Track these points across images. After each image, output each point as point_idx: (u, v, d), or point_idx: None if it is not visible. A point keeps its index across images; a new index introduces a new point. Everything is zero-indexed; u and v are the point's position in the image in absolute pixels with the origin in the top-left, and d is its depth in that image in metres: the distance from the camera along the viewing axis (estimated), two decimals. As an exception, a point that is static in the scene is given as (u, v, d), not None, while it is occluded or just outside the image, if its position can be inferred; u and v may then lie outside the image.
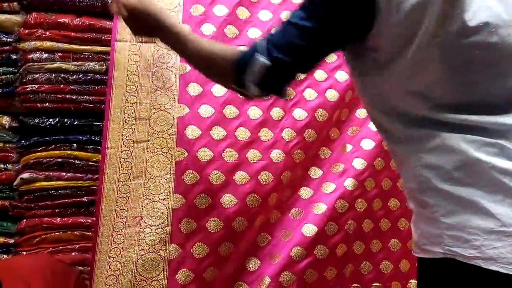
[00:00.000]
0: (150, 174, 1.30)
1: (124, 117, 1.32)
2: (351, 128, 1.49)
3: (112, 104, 1.32)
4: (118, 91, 1.33)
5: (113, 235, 1.24)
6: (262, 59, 0.70)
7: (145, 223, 1.26)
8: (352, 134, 1.48)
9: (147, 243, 1.25)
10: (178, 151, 1.32)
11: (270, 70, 0.71)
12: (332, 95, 1.45)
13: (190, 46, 0.82)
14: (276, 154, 1.37)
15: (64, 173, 1.35)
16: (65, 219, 1.33)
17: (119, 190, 1.27)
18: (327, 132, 1.47)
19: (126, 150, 1.30)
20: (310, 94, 1.45)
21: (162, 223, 1.27)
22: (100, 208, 1.24)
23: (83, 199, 1.35)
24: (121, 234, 1.24)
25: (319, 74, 1.47)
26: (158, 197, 1.29)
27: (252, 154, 1.36)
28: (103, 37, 1.41)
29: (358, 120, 1.50)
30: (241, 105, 1.40)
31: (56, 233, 1.31)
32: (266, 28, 1.45)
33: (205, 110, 1.36)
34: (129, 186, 1.28)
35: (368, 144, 1.45)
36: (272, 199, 1.36)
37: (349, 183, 1.39)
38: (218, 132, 1.35)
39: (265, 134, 1.39)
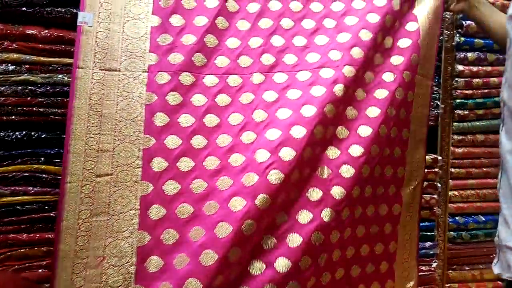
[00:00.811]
0: (113, 210, 1.26)
1: (86, 149, 1.28)
2: (331, 149, 1.41)
3: (73, 136, 1.27)
4: (79, 122, 1.29)
5: (72, 278, 1.19)
6: None
7: (108, 263, 1.22)
8: (332, 157, 1.40)
9: (110, 285, 1.21)
10: (143, 185, 1.29)
11: None
12: (308, 110, 1.38)
13: None
14: (247, 178, 1.31)
15: (30, 188, 1.34)
16: (32, 235, 1.32)
17: (79, 228, 1.23)
18: (304, 151, 1.39)
19: (87, 184, 1.26)
20: (283, 113, 1.40)
21: (127, 262, 1.23)
22: (58, 248, 1.19)
23: (51, 214, 1.34)
24: (81, 277, 1.20)
25: (293, 92, 1.44)
26: (122, 234, 1.25)
27: (222, 182, 1.33)
28: (72, 49, 1.40)
29: (338, 140, 1.42)
30: (210, 135, 1.37)
31: (22, 250, 1.30)
32: (234, 55, 1.46)
33: (172, 141, 1.33)
34: (91, 224, 1.24)
35: (347, 171, 1.36)
36: (246, 227, 1.26)
37: (326, 213, 1.31)
38: (185, 164, 1.32)
39: (235, 159, 1.36)
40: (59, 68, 1.42)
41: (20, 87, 1.38)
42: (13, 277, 1.21)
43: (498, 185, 1.10)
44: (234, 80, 1.44)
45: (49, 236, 1.32)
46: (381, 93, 1.45)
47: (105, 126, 1.31)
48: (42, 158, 1.37)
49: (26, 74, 1.39)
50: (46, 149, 1.38)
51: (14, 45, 1.38)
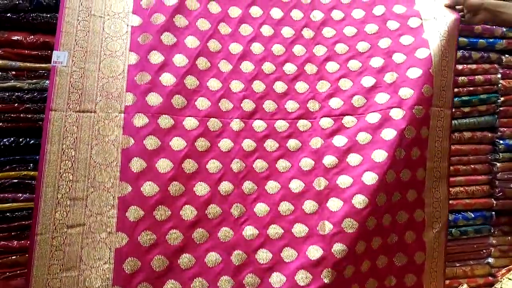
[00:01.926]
0: (85, 264, 1.22)
1: (57, 198, 1.24)
2: (332, 200, 1.40)
3: (44, 182, 1.23)
4: (51, 168, 1.25)
5: None
6: None
7: None
8: (334, 210, 1.39)
9: None
10: (118, 236, 1.25)
11: None
12: (283, 164, 1.44)
13: None
14: (224, 232, 1.34)
15: (19, 194, 1.36)
16: (23, 242, 1.34)
17: (48, 285, 1.19)
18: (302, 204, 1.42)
19: (58, 236, 1.22)
20: (261, 166, 1.43)
21: None
22: None
23: (41, 220, 1.36)
24: None
25: (271, 144, 1.46)
26: None
27: (199, 234, 1.32)
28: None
29: (340, 190, 1.41)
30: (188, 181, 1.35)
31: (13, 257, 1.33)
32: (215, 98, 1.44)
33: (149, 189, 1.29)
34: (60, 280, 1.20)
35: (350, 225, 1.35)
36: (222, 284, 1.30)
37: (326, 274, 1.31)
38: (162, 213, 1.29)
39: (213, 211, 1.35)
40: (45, 74, 1.45)
41: (7, 94, 1.40)
42: (4, 286, 1.24)
43: None
44: (214, 125, 1.42)
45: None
46: (388, 134, 1.42)
47: (78, 172, 1.28)
48: (31, 165, 1.39)
49: (12, 81, 1.42)
50: (34, 155, 1.39)
51: (0, 51, 1.41)
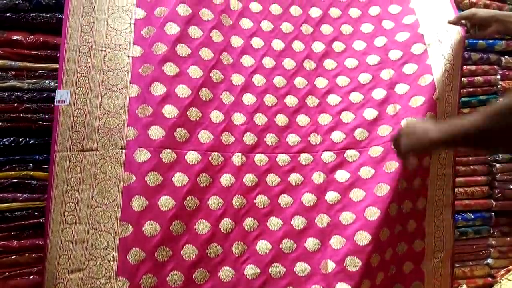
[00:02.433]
0: None
1: (62, 242, 1.26)
2: (335, 238, 1.41)
3: (51, 227, 1.26)
4: (56, 211, 1.27)
5: None
6: None
7: None
8: (336, 248, 1.40)
9: None
10: (118, 281, 1.24)
11: None
12: (286, 200, 1.44)
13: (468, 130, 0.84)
14: (225, 272, 1.35)
15: (19, 194, 1.37)
16: (22, 241, 1.35)
17: None
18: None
19: (60, 282, 1.23)
20: (263, 202, 1.43)
21: None
22: None
23: (41, 220, 1.36)
24: None
25: (272, 178, 1.47)
26: None
27: (199, 275, 1.32)
28: (58, 55, 1.44)
29: (342, 227, 1.42)
30: (189, 219, 1.34)
31: (12, 257, 1.33)
32: (217, 131, 1.44)
33: (151, 228, 1.29)
34: None
35: (353, 263, 1.35)
36: None
37: None
38: (163, 254, 1.29)
39: (214, 250, 1.35)
40: (45, 74, 1.46)
41: (6, 94, 1.41)
42: (3, 286, 1.25)
43: None
44: (215, 159, 1.42)
45: (40, 242, 1.35)
46: (391, 166, 1.42)
47: (80, 214, 1.29)
48: (31, 164, 1.40)
49: (12, 80, 1.42)
50: (34, 155, 1.41)
51: (-1, 51, 1.42)
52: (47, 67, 1.46)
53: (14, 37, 1.43)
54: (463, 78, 1.89)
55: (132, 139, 1.37)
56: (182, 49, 1.48)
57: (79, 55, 1.40)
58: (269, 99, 1.53)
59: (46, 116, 1.43)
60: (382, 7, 1.71)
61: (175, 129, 1.39)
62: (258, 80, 1.55)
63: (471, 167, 1.93)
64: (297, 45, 1.63)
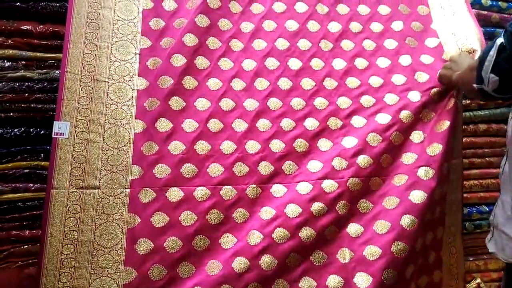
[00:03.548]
0: None
1: (58, 287, 1.20)
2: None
3: (45, 270, 1.20)
4: (52, 253, 1.21)
5: None
6: (499, 40, 0.89)
7: None
8: None
9: None
10: None
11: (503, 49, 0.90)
12: (308, 233, 1.32)
13: None
14: None
15: (31, 184, 1.39)
16: (34, 231, 1.37)
17: None
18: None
19: None
20: (282, 236, 1.31)
21: None
22: None
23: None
24: None
25: (293, 209, 1.35)
26: None
27: None
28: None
29: None
30: (199, 261, 1.28)
31: (25, 246, 1.36)
32: (228, 162, 1.38)
33: (157, 272, 1.24)
34: None
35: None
36: None
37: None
38: None
39: None
40: (55, 64, 1.47)
41: (17, 84, 1.43)
42: (18, 274, 1.28)
43: (501, 171, 1.20)
44: (227, 193, 1.34)
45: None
46: (417, 196, 1.35)
47: (81, 257, 1.23)
48: (42, 155, 1.42)
49: (22, 71, 1.44)
50: (45, 145, 1.42)
51: (9, 41, 1.44)
52: (57, 57, 1.47)
53: (24, 27, 1.45)
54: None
55: (137, 178, 1.32)
56: (189, 82, 1.45)
57: (80, 85, 1.36)
58: (287, 124, 1.45)
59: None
60: (405, 23, 1.66)
61: (182, 165, 1.35)
62: (274, 103, 1.47)
63: (487, 159, 1.91)
64: (316, 63, 1.55)
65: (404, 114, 1.47)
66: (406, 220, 1.32)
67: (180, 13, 1.53)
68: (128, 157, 1.34)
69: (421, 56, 1.60)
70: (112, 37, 1.44)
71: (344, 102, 1.50)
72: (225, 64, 1.50)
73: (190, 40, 1.48)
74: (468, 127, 1.87)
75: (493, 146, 1.92)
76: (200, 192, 1.34)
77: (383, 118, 1.47)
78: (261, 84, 1.49)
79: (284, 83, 1.50)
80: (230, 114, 1.44)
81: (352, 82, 1.53)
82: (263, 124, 1.44)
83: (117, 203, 1.29)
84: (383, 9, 1.69)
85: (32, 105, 1.44)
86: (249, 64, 1.51)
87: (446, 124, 1.44)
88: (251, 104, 1.46)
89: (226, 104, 1.45)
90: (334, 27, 1.62)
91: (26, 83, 1.44)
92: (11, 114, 1.42)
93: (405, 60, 1.59)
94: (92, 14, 1.44)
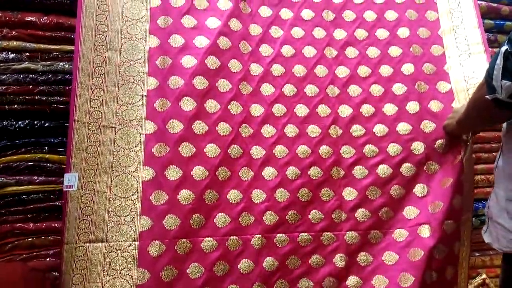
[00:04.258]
0: None
1: None
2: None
3: None
4: None
5: None
6: (503, 48, 0.90)
7: None
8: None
9: None
10: None
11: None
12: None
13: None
14: None
15: (35, 177, 1.39)
16: (38, 224, 1.37)
17: None
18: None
19: None
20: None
21: None
22: None
23: (56, 203, 1.39)
24: None
25: (293, 262, 1.43)
26: None
27: None
28: (72, 36, 1.45)
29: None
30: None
31: (29, 239, 1.36)
32: (234, 212, 1.40)
33: None
34: None
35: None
36: None
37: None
38: None
39: None
40: (59, 56, 1.46)
41: (21, 76, 1.42)
42: (22, 267, 1.28)
43: (495, 164, 1.23)
44: (233, 244, 1.37)
45: (56, 225, 1.38)
46: (416, 254, 1.40)
47: None
48: (46, 147, 1.42)
49: (27, 62, 1.43)
50: (49, 138, 1.42)
51: (13, 32, 1.43)
52: (62, 48, 1.46)
53: (28, 18, 1.44)
54: (488, 62, 1.86)
55: (146, 230, 1.31)
56: (199, 127, 1.43)
57: (88, 133, 1.35)
58: (292, 172, 1.46)
59: (61, 99, 1.44)
60: (416, 65, 1.63)
61: (191, 216, 1.35)
62: (280, 151, 1.47)
63: (494, 153, 1.89)
64: (322, 110, 1.54)
65: (406, 167, 1.49)
66: (403, 279, 1.39)
67: (187, 50, 1.50)
68: (137, 207, 1.33)
69: (430, 102, 1.58)
70: (118, 80, 1.42)
71: (347, 151, 1.52)
72: (234, 107, 1.49)
73: (200, 82, 1.46)
74: (476, 121, 1.85)
75: (500, 140, 1.90)
76: (208, 243, 1.36)
77: (384, 171, 1.49)
78: (268, 131, 1.49)
79: (291, 130, 1.50)
80: (238, 162, 1.44)
81: (357, 130, 1.54)
82: (269, 172, 1.45)
83: (125, 257, 1.28)
84: (394, 51, 1.65)
85: (36, 97, 1.43)
86: (257, 110, 1.51)
87: (449, 181, 1.45)
88: (257, 152, 1.46)
89: (234, 151, 1.44)
90: (342, 71, 1.60)
91: (30, 75, 1.43)
92: (15, 106, 1.42)
93: (412, 107, 1.57)
94: (98, 58, 1.42)
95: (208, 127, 1.44)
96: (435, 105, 1.58)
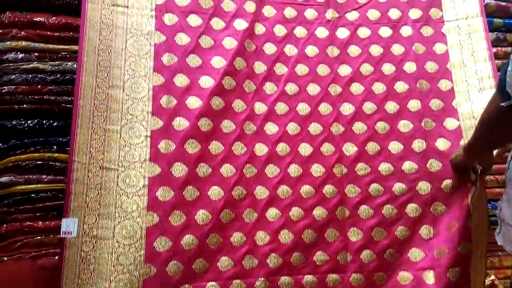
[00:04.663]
0: None
1: None
2: None
3: None
4: None
5: None
6: None
7: None
8: None
9: None
10: None
11: None
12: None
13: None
14: None
15: (44, 176, 1.40)
16: (47, 222, 1.38)
17: None
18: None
19: None
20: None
21: None
22: None
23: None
24: None
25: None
26: None
27: None
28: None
29: None
30: None
31: (37, 237, 1.37)
32: (238, 255, 1.39)
33: None
34: None
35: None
36: None
37: None
38: None
39: None
40: (68, 56, 1.47)
41: (30, 76, 1.43)
42: (31, 265, 1.29)
43: (507, 166, 1.20)
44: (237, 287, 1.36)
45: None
46: None
47: None
48: (54, 147, 1.43)
49: (35, 62, 1.45)
50: (58, 137, 1.43)
51: (22, 32, 1.44)
52: (70, 48, 1.47)
53: (37, 19, 1.45)
54: (497, 61, 1.82)
55: (149, 277, 1.29)
56: (203, 169, 1.42)
57: (88, 175, 1.30)
58: (296, 213, 1.44)
59: (69, 99, 1.45)
60: (423, 101, 1.60)
61: (194, 261, 1.34)
62: (284, 192, 1.46)
63: (503, 154, 1.88)
64: (326, 149, 1.53)
65: (411, 208, 1.47)
66: None
67: (192, 90, 1.48)
68: (141, 255, 1.29)
69: (437, 140, 1.56)
70: (121, 120, 1.39)
71: (352, 191, 1.49)
72: (238, 148, 1.48)
73: (205, 124, 1.44)
74: (485, 121, 1.83)
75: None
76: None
77: (390, 211, 1.47)
78: (271, 171, 1.48)
79: (294, 170, 1.48)
80: (241, 204, 1.43)
81: (362, 169, 1.51)
82: (272, 214, 1.44)
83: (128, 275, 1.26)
84: (400, 86, 1.61)
85: (45, 97, 1.44)
86: (261, 149, 1.49)
87: (455, 225, 1.42)
88: (261, 193, 1.45)
89: (238, 192, 1.43)
90: (347, 108, 1.57)
91: (39, 75, 1.44)
92: (24, 105, 1.43)
93: (418, 145, 1.55)
94: (100, 94, 1.39)
95: (212, 169, 1.43)
96: (442, 144, 1.55)
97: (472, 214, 1.43)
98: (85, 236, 1.26)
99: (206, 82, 1.49)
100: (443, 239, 1.43)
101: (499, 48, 1.84)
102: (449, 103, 1.61)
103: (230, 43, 1.55)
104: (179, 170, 1.39)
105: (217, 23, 1.57)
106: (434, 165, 1.52)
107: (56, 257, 1.35)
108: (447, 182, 1.49)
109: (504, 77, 0.93)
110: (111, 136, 1.37)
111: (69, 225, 1.24)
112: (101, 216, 1.29)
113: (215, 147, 1.45)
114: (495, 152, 1.43)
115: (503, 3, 1.83)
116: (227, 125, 1.48)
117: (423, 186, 1.50)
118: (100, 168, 1.32)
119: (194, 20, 1.55)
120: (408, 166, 1.52)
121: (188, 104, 1.46)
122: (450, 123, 1.58)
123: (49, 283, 1.29)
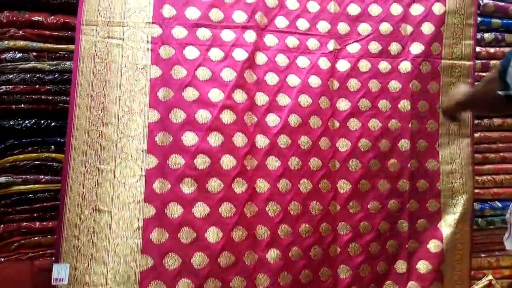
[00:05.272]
0: None
1: None
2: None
3: None
4: None
5: None
6: None
7: None
8: None
9: None
10: None
11: None
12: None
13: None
14: None
15: (42, 176, 1.39)
16: (45, 223, 1.37)
17: None
18: None
19: None
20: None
21: None
22: None
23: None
24: None
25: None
26: None
27: None
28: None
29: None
30: None
31: (35, 238, 1.36)
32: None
33: None
34: None
35: None
36: None
37: None
38: None
39: None
40: (66, 55, 1.46)
41: (28, 75, 1.42)
42: (29, 266, 1.28)
43: None
44: None
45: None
46: None
47: None
48: (52, 147, 1.42)
49: (33, 62, 1.43)
50: (55, 137, 1.42)
51: (20, 32, 1.43)
52: (68, 48, 1.46)
53: (35, 18, 1.44)
54: (495, 61, 1.83)
55: None
56: (199, 210, 1.37)
57: (80, 218, 1.27)
58: (295, 253, 1.46)
59: (67, 98, 1.43)
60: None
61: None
62: (284, 231, 1.45)
63: (501, 154, 1.88)
64: (324, 185, 1.53)
65: (390, 244, 1.59)
66: None
67: (189, 125, 1.42)
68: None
69: (418, 181, 1.66)
70: (115, 159, 1.34)
71: (343, 228, 1.54)
72: (239, 185, 1.43)
73: (202, 162, 1.39)
74: (483, 121, 1.83)
75: (508, 141, 1.89)
76: None
77: (374, 248, 1.57)
78: (273, 209, 1.45)
79: (295, 208, 1.48)
80: (242, 245, 1.39)
81: (354, 207, 1.55)
82: (272, 255, 1.43)
83: None
84: (393, 125, 1.62)
85: (43, 97, 1.43)
86: (262, 187, 1.46)
87: (428, 267, 1.57)
88: (262, 233, 1.43)
89: (238, 234, 1.39)
90: (343, 145, 1.57)
91: (37, 75, 1.43)
92: (22, 105, 1.42)
93: (402, 185, 1.63)
94: (94, 132, 1.34)
95: (210, 209, 1.38)
96: (422, 185, 1.64)
97: (445, 259, 1.57)
98: (76, 283, 1.22)
99: (203, 116, 1.43)
100: (417, 275, 1.56)
101: (498, 48, 1.84)
102: (433, 144, 1.67)
103: (228, 74, 1.48)
104: (174, 210, 1.35)
105: (215, 53, 1.49)
106: (413, 205, 1.62)
107: (53, 258, 1.35)
108: (422, 222, 1.61)
109: (507, 66, 0.92)
110: (105, 176, 1.32)
111: (60, 272, 1.19)
112: (94, 261, 1.25)
113: (214, 184, 1.40)
114: None
115: (502, 4, 1.83)
116: (227, 161, 1.43)
117: (403, 224, 1.60)
118: (93, 210, 1.29)
119: (191, 52, 1.47)
120: (393, 204, 1.60)
121: (184, 141, 1.40)
122: (431, 164, 1.66)
123: (47, 285, 1.28)
